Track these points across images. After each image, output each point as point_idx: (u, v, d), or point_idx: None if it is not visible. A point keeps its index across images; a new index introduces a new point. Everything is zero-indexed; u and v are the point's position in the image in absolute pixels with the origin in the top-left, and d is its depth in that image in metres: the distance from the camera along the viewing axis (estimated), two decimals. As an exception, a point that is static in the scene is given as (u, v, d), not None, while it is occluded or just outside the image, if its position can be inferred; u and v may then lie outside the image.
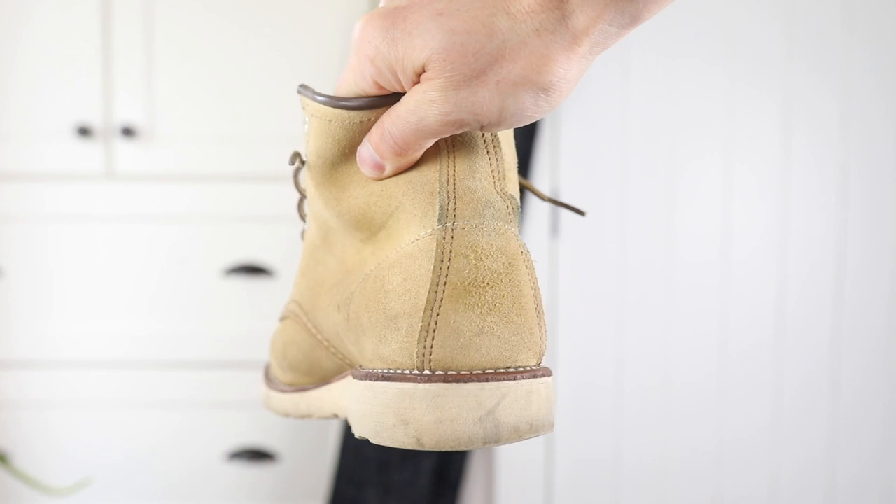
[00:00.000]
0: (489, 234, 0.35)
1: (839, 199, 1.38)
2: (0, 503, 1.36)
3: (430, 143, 0.36)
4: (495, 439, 0.33)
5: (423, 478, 1.28)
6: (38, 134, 1.32)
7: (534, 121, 0.36)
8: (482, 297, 0.34)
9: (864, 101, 1.37)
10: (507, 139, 0.38)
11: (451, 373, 0.34)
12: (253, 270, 1.33)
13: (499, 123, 0.35)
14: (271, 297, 1.34)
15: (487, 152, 0.37)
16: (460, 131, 0.35)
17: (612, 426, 1.41)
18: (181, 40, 1.31)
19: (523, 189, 0.43)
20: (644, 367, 1.41)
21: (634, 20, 0.34)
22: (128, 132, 1.29)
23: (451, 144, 0.37)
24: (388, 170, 0.38)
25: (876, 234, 1.39)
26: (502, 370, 0.34)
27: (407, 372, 0.34)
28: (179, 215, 1.33)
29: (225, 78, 1.32)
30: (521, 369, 0.34)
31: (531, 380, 0.34)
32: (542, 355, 0.36)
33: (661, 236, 1.38)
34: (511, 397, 0.34)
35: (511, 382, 0.34)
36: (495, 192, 0.36)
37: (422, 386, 0.34)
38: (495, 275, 0.35)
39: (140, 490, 1.36)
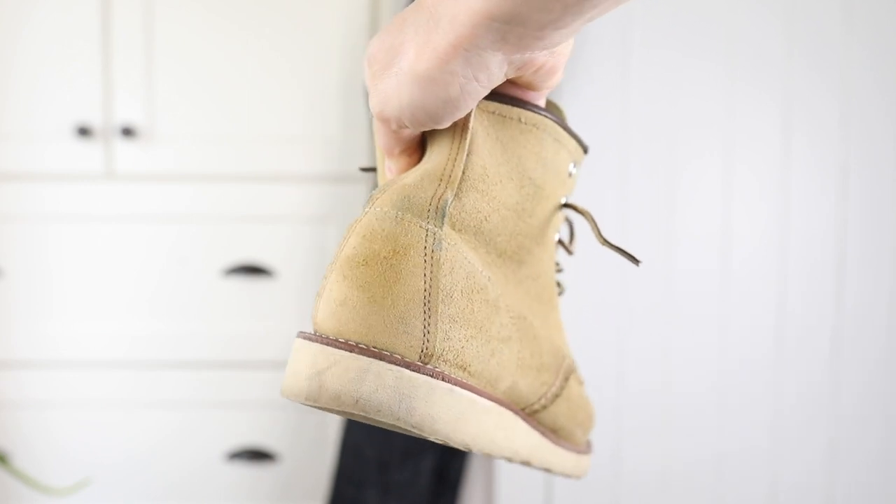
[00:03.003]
0: (388, 222, 0.37)
1: (839, 199, 1.38)
2: (0, 503, 1.36)
3: (397, 140, 0.40)
4: (314, 398, 0.35)
5: (423, 478, 1.28)
6: (38, 134, 1.32)
7: (442, 118, 0.37)
8: (356, 273, 0.36)
9: (865, 100, 1.37)
10: (503, 173, 0.41)
11: (311, 332, 0.37)
12: (253, 270, 1.33)
13: (410, 116, 0.37)
14: (271, 298, 1.34)
15: (448, 158, 0.39)
16: (395, 127, 0.38)
17: (612, 432, 1.41)
18: (181, 40, 1.32)
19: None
20: (644, 373, 1.41)
21: (515, 44, 0.35)
22: (127, 132, 1.30)
23: (431, 150, 0.40)
24: (390, 166, 0.42)
25: (876, 235, 1.39)
26: (363, 346, 0.36)
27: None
28: (179, 215, 1.33)
29: (225, 78, 1.32)
30: (380, 352, 0.36)
31: (380, 362, 0.35)
32: (428, 354, 0.37)
33: (661, 237, 1.38)
34: (342, 366, 0.35)
35: (346, 353, 0.35)
36: (427, 191, 0.38)
37: (296, 341, 0.37)
38: (376, 256, 0.37)
39: (140, 490, 1.36)
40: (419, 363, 0.37)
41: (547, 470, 0.45)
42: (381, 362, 0.36)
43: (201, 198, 1.33)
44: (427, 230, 0.38)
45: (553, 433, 0.46)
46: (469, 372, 0.39)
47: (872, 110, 1.37)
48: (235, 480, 1.37)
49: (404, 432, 0.38)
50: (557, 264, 0.48)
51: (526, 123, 0.42)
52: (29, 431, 1.35)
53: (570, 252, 0.48)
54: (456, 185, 0.39)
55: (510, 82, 0.41)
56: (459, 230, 0.39)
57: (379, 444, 1.28)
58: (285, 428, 1.36)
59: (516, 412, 0.43)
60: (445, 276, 0.38)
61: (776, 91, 1.38)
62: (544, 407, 0.45)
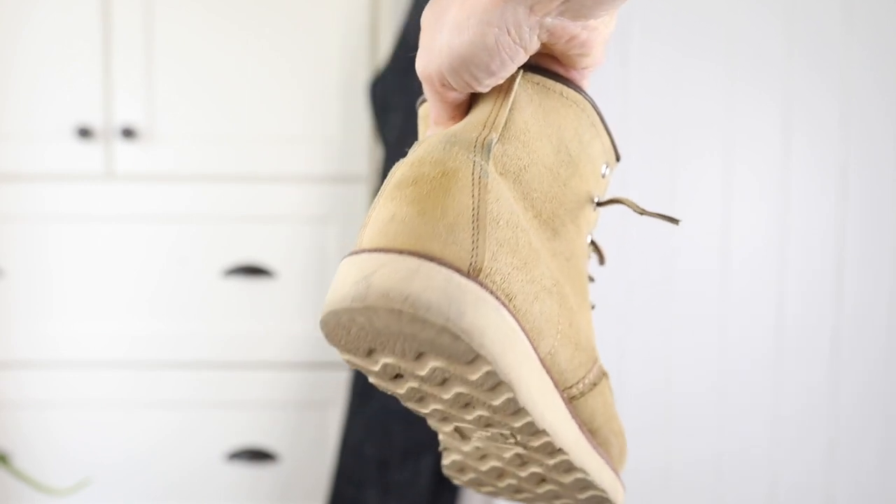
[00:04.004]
0: (437, 151, 0.39)
1: (839, 199, 1.38)
2: (1, 503, 1.36)
3: (445, 106, 0.43)
4: (362, 298, 0.35)
5: (423, 478, 1.28)
6: (39, 134, 1.32)
7: (480, 71, 0.40)
8: (404, 192, 0.37)
9: (865, 100, 1.37)
10: (542, 133, 0.42)
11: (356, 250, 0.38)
12: (253, 271, 1.33)
13: (449, 68, 0.40)
14: (271, 298, 1.34)
15: (492, 110, 0.41)
16: (438, 87, 0.41)
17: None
18: (181, 41, 1.32)
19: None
20: (644, 372, 1.41)
21: (546, 5, 0.38)
22: (128, 133, 1.30)
23: (475, 109, 0.42)
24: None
25: (876, 235, 1.39)
26: (412, 250, 0.36)
27: None
28: (179, 215, 1.33)
29: (225, 78, 1.32)
30: (425, 254, 0.36)
31: (430, 263, 0.35)
32: (476, 269, 0.37)
33: (661, 237, 1.38)
34: (390, 267, 0.35)
35: (396, 255, 0.36)
36: (472, 133, 0.40)
37: (342, 262, 0.38)
38: (424, 176, 0.38)
39: (140, 490, 1.36)
40: (468, 272, 0.37)
41: (582, 472, 0.44)
42: (432, 263, 0.36)
43: (201, 198, 1.33)
44: (474, 161, 0.39)
45: (591, 434, 0.46)
46: (514, 305, 0.39)
47: (872, 110, 1.38)
48: (235, 480, 1.37)
49: (444, 353, 0.37)
50: (591, 277, 0.48)
51: (567, 98, 0.43)
52: (29, 431, 1.35)
53: (602, 260, 0.49)
54: (500, 131, 0.40)
55: (552, 59, 0.43)
56: (502, 173, 0.40)
57: (379, 444, 1.28)
58: (285, 428, 1.36)
59: (556, 387, 0.42)
60: (492, 202, 0.38)
61: (776, 91, 1.38)
62: (582, 394, 0.44)
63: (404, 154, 0.41)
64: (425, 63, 0.41)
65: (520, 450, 0.44)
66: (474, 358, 0.36)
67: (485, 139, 0.40)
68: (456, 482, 0.52)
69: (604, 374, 0.47)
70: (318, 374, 1.36)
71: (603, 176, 0.46)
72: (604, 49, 0.44)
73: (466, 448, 0.47)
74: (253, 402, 1.36)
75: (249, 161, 1.33)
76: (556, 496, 0.49)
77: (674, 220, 0.44)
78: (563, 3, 0.38)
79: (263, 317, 1.35)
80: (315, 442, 1.37)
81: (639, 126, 1.38)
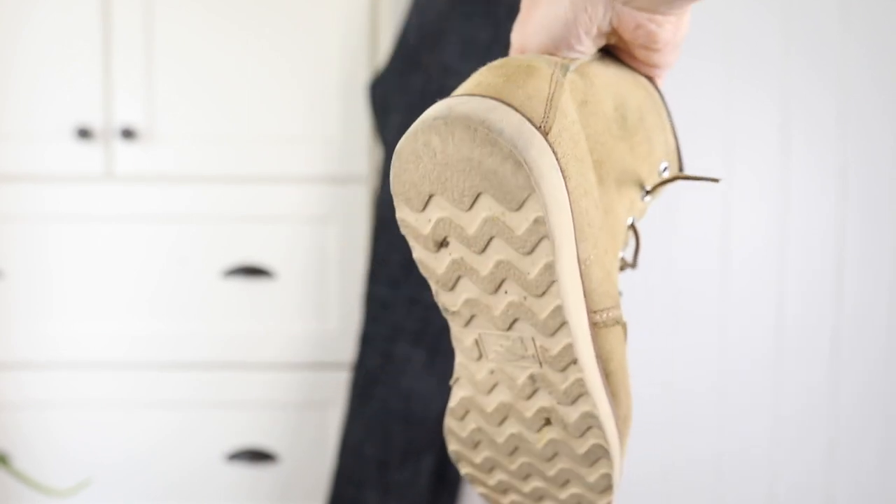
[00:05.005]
0: (523, 57, 0.44)
1: (838, 198, 1.39)
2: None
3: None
4: (445, 115, 0.40)
5: (423, 478, 1.28)
6: (38, 135, 1.32)
7: (559, 41, 0.46)
8: (491, 69, 0.43)
9: (862, 99, 1.38)
10: (608, 90, 0.47)
11: None
12: (253, 271, 1.33)
13: (532, 37, 0.46)
14: (271, 298, 1.35)
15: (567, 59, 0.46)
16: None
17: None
18: (181, 41, 1.32)
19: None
20: (644, 372, 1.40)
21: None
22: (128, 134, 1.30)
23: None
24: None
25: (875, 233, 1.39)
26: (489, 97, 0.41)
27: None
28: (179, 216, 1.33)
29: (225, 79, 1.33)
30: (505, 101, 0.41)
31: (508, 107, 0.40)
32: (545, 130, 0.41)
33: (660, 237, 1.38)
34: (473, 102, 0.40)
35: (479, 97, 0.41)
36: (553, 58, 0.45)
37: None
38: (510, 63, 0.43)
39: (140, 490, 1.36)
40: (539, 127, 0.41)
41: (591, 405, 0.45)
42: (510, 108, 0.40)
43: (201, 198, 1.33)
44: (554, 69, 0.43)
45: (605, 377, 0.47)
46: (567, 184, 0.42)
47: (870, 109, 1.38)
48: (235, 481, 1.36)
49: (502, 188, 0.40)
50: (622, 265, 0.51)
51: (639, 80, 0.48)
52: (29, 432, 1.35)
53: (634, 260, 0.51)
54: (575, 65, 0.45)
55: (630, 56, 0.48)
56: (571, 93, 0.44)
57: (378, 444, 1.28)
58: (285, 428, 1.36)
59: (585, 298, 0.44)
60: (564, 99, 0.43)
61: (774, 90, 1.38)
62: (605, 324, 0.46)
63: None
64: (514, 37, 0.47)
65: (535, 368, 0.45)
66: (528, 196, 0.40)
67: (564, 62, 0.44)
68: (454, 447, 0.52)
69: (624, 324, 0.48)
70: (318, 375, 1.36)
71: (660, 173, 0.49)
72: (674, 52, 0.48)
73: (480, 374, 0.48)
74: (253, 403, 1.36)
75: (249, 161, 1.33)
76: (555, 451, 0.48)
77: (714, 179, 0.47)
78: None
79: (263, 317, 1.35)
80: (315, 442, 1.37)
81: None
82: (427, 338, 1.25)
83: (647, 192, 0.49)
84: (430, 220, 0.43)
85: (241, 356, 1.35)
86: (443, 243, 0.43)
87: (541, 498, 0.51)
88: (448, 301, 0.46)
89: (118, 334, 1.34)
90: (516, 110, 0.40)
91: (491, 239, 0.42)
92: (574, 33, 0.44)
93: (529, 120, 0.40)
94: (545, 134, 0.41)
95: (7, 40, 1.31)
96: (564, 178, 0.41)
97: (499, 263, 0.42)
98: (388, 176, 1.27)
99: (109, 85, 1.32)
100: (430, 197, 0.42)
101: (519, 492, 0.52)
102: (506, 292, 0.43)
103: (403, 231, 0.45)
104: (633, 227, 0.50)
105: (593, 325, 0.45)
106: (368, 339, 1.28)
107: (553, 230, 0.41)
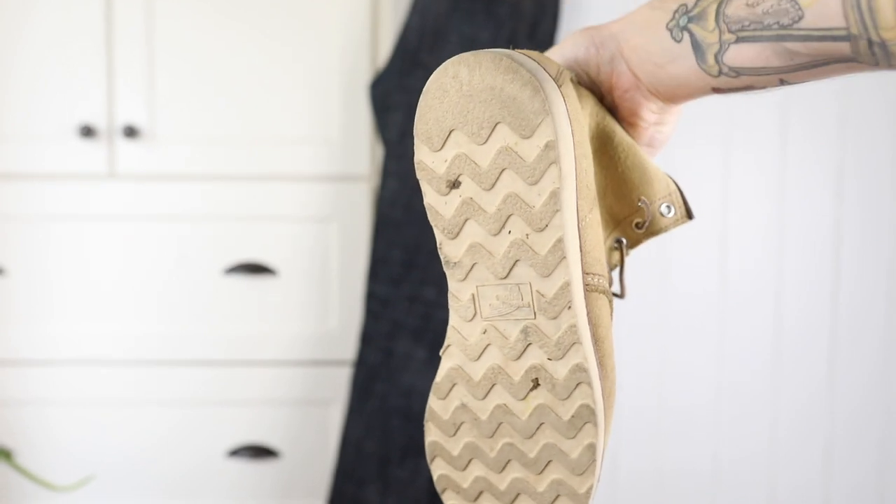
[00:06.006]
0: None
1: (835, 201, 1.39)
2: (3, 500, 1.37)
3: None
4: (473, 52, 0.46)
5: (423, 475, 1.28)
6: (42, 134, 1.33)
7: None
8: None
9: (861, 100, 1.38)
10: (587, 112, 0.51)
11: None
12: (255, 269, 1.34)
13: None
14: (273, 296, 1.35)
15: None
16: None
17: (610, 439, 1.41)
18: (184, 41, 1.33)
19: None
20: (642, 377, 1.41)
21: (599, 45, 0.50)
22: (130, 132, 1.31)
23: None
24: None
25: (872, 235, 1.39)
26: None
27: None
28: (182, 214, 1.34)
29: (227, 78, 1.33)
30: (524, 54, 0.47)
31: (526, 58, 0.46)
32: (557, 82, 0.46)
33: (658, 239, 1.38)
34: (499, 47, 0.47)
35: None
36: (560, 78, 0.48)
37: None
38: (530, 54, 0.48)
39: (142, 487, 1.37)
40: (554, 77, 0.46)
41: (582, 358, 0.47)
42: (530, 58, 0.46)
43: (203, 197, 1.34)
44: (560, 65, 0.49)
45: (594, 342, 0.48)
46: (573, 137, 0.47)
47: (869, 110, 1.38)
48: (237, 477, 1.37)
49: (520, 112, 0.45)
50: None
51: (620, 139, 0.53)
52: (32, 429, 1.36)
53: (621, 293, 0.53)
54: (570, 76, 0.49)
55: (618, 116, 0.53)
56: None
57: (379, 441, 1.29)
58: (287, 425, 1.37)
59: (580, 252, 0.48)
60: (569, 82, 0.48)
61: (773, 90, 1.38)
62: (595, 288, 0.49)
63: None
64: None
65: (528, 320, 0.48)
66: (541, 122, 0.45)
67: (564, 71, 0.49)
68: (432, 437, 0.52)
69: (612, 299, 0.51)
70: (320, 372, 1.37)
71: (661, 213, 0.53)
72: (654, 144, 0.53)
73: (472, 336, 0.50)
74: (255, 400, 1.36)
75: (251, 160, 1.34)
76: (541, 421, 0.49)
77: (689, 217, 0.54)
78: (633, 52, 0.48)
79: (265, 315, 1.36)
80: (316, 439, 1.38)
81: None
82: (428, 335, 1.26)
83: (639, 226, 0.53)
84: (445, 160, 0.48)
85: (242, 354, 1.35)
86: (455, 184, 0.48)
87: (517, 496, 0.51)
88: (451, 251, 0.49)
89: (120, 332, 1.35)
90: (535, 60, 0.47)
91: (502, 172, 0.46)
92: (587, 64, 0.50)
93: (545, 69, 0.46)
94: (558, 85, 0.46)
95: (10, 39, 1.32)
96: (570, 122, 0.46)
97: (507, 198, 0.47)
98: (388, 175, 1.28)
99: (112, 84, 1.33)
100: (450, 133, 0.47)
101: (494, 492, 0.51)
102: (509, 232, 0.47)
103: (419, 175, 0.49)
104: (620, 247, 0.53)
105: (585, 286, 0.48)
106: (369, 337, 1.29)
107: (561, 157, 0.45)
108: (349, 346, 1.36)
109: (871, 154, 1.39)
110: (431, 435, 0.53)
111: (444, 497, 0.53)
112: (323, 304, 1.36)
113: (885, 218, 1.39)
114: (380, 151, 1.34)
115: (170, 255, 1.34)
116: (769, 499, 1.41)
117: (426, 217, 0.50)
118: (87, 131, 1.30)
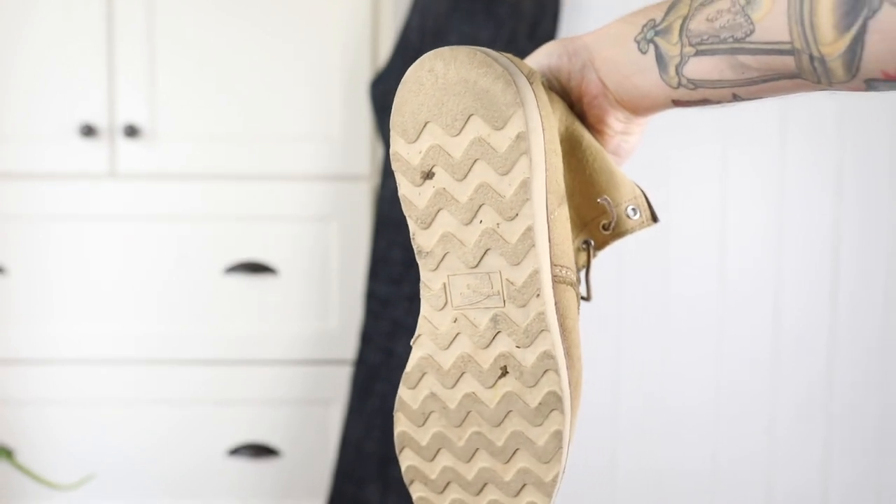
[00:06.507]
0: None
1: (834, 201, 1.39)
2: (4, 499, 1.37)
3: None
4: (450, 48, 0.48)
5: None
6: (42, 133, 1.33)
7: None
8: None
9: (860, 100, 1.38)
10: (557, 115, 0.53)
11: None
12: (255, 269, 1.34)
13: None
14: (274, 296, 1.35)
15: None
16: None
17: (608, 437, 1.41)
18: (185, 40, 1.33)
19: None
20: (640, 377, 1.41)
21: (573, 54, 0.53)
22: (131, 132, 1.31)
23: None
24: None
25: (871, 234, 1.39)
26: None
27: None
28: (182, 214, 1.34)
29: (228, 77, 1.33)
30: (498, 52, 0.49)
31: (500, 55, 0.49)
32: (529, 80, 0.49)
33: (657, 238, 1.39)
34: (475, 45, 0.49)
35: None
36: (531, 77, 0.50)
37: None
38: (504, 54, 0.50)
39: (143, 486, 1.37)
40: (526, 75, 0.49)
41: (550, 345, 0.48)
42: (503, 56, 0.49)
43: (204, 196, 1.34)
44: (519, 75, 0.49)
45: (561, 332, 0.50)
46: (544, 134, 0.49)
47: (868, 111, 1.38)
48: (237, 477, 1.37)
49: (492, 105, 0.47)
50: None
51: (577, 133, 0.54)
52: (32, 429, 1.36)
53: (588, 295, 0.54)
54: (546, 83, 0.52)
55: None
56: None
57: (379, 441, 1.29)
58: (287, 425, 1.37)
59: (549, 245, 0.50)
60: (539, 83, 0.50)
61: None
62: (563, 279, 0.50)
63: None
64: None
65: (498, 308, 0.49)
66: (513, 114, 0.47)
67: (533, 73, 0.50)
68: (401, 427, 0.53)
69: (579, 293, 0.53)
70: (320, 372, 1.37)
71: (626, 214, 0.55)
72: (620, 153, 0.56)
73: (443, 325, 0.51)
74: (255, 399, 1.37)
75: (251, 159, 1.34)
76: (508, 408, 0.50)
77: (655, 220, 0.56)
78: (603, 63, 0.50)
79: (266, 315, 1.36)
80: (316, 438, 1.38)
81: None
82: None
83: (606, 228, 0.54)
84: (420, 152, 0.49)
85: (243, 353, 1.36)
86: (428, 175, 0.49)
87: (484, 485, 0.52)
88: (423, 241, 0.50)
89: (121, 331, 1.35)
90: (508, 59, 0.49)
91: (474, 163, 0.48)
92: (560, 71, 0.53)
93: (517, 66, 0.48)
94: (530, 82, 0.48)
95: (10, 39, 1.32)
96: (541, 116, 0.48)
97: (478, 187, 0.48)
98: (388, 174, 1.28)
99: (113, 83, 1.33)
100: (425, 125, 0.48)
101: (462, 482, 0.52)
102: (480, 221, 0.49)
103: (395, 166, 0.50)
104: (588, 248, 0.55)
105: (553, 277, 0.50)
106: (369, 336, 1.30)
107: (531, 148, 0.47)
108: (349, 346, 1.36)
109: (869, 154, 1.39)
110: (401, 425, 0.53)
111: (412, 489, 0.54)
112: (323, 303, 1.36)
113: (884, 218, 1.39)
114: (380, 151, 1.35)
115: (170, 254, 1.35)
116: (767, 498, 1.42)
117: None
118: (88, 130, 1.30)
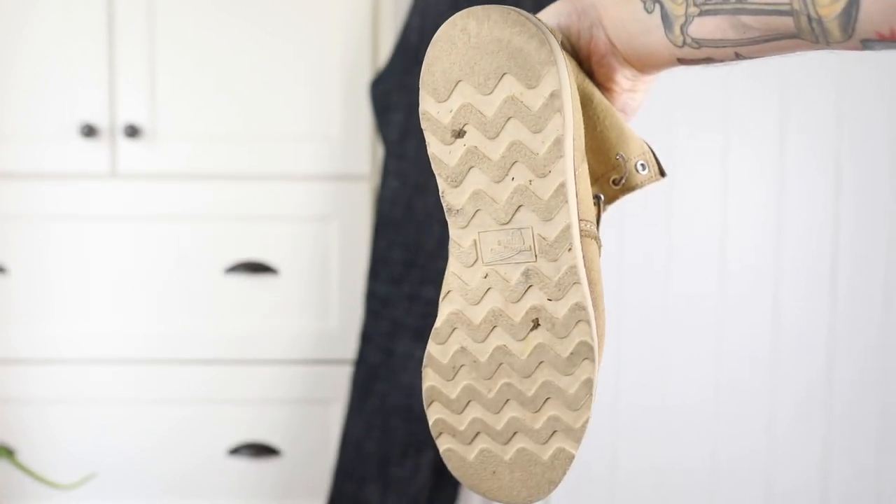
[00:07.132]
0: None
1: (833, 196, 1.39)
2: (5, 498, 1.37)
3: None
4: (483, 6, 0.49)
5: (423, 473, 1.29)
6: (43, 134, 1.33)
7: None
8: None
9: (859, 96, 1.38)
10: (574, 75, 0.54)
11: None
12: (256, 268, 1.34)
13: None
14: (274, 295, 1.36)
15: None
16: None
17: (609, 435, 1.41)
18: (185, 40, 1.33)
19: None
20: (640, 376, 1.41)
21: (581, 12, 0.53)
22: (132, 132, 1.31)
23: None
24: None
25: (870, 230, 1.39)
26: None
27: None
28: (183, 214, 1.34)
29: (228, 78, 1.34)
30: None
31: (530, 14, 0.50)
32: (557, 39, 0.50)
33: (657, 237, 1.39)
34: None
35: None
36: (557, 35, 0.52)
37: None
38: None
39: (143, 485, 1.38)
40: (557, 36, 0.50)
41: (581, 296, 0.49)
42: (535, 17, 0.50)
43: (204, 196, 1.34)
44: (551, 56, 0.50)
45: (589, 285, 0.51)
46: (572, 90, 0.50)
47: (867, 105, 1.38)
48: (238, 476, 1.38)
49: (526, 63, 0.48)
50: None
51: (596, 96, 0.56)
52: (33, 428, 1.36)
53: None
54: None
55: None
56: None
57: (379, 440, 1.29)
58: (287, 424, 1.37)
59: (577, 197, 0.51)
60: (566, 66, 0.50)
61: (772, 88, 1.39)
62: (587, 233, 0.52)
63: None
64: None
65: (530, 262, 0.50)
66: (547, 73, 0.48)
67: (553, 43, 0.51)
68: (430, 382, 0.53)
69: (601, 244, 0.54)
70: (321, 371, 1.37)
71: (636, 169, 0.56)
72: (627, 110, 0.57)
73: (473, 281, 0.51)
74: (255, 399, 1.37)
75: (252, 159, 1.34)
76: (540, 359, 0.50)
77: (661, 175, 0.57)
78: (610, 22, 0.51)
79: (266, 314, 1.36)
80: (317, 438, 1.38)
81: (634, 122, 1.39)
82: (428, 334, 1.26)
83: (616, 183, 0.56)
84: (451, 111, 0.50)
85: (243, 353, 1.36)
86: (460, 133, 0.50)
87: (513, 434, 0.52)
88: (454, 199, 0.51)
89: (121, 331, 1.35)
90: (537, 18, 0.50)
91: (507, 121, 0.49)
92: (565, 34, 0.54)
93: (549, 28, 0.50)
94: (558, 41, 0.49)
95: (10, 39, 1.32)
96: (570, 74, 0.49)
97: (511, 145, 0.49)
98: (389, 174, 1.28)
99: (114, 83, 1.33)
100: (457, 84, 0.49)
101: (490, 432, 0.53)
102: (513, 178, 0.49)
103: (424, 125, 0.51)
104: (598, 203, 0.56)
105: (580, 231, 0.51)
106: (370, 336, 1.30)
107: (564, 105, 0.48)
108: (349, 346, 1.36)
109: (868, 149, 1.39)
110: (429, 380, 0.54)
111: (440, 441, 0.54)
112: (323, 303, 1.36)
113: (883, 213, 1.39)
114: (380, 151, 1.35)
115: (170, 254, 1.35)
116: (767, 496, 1.42)
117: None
118: (89, 130, 1.30)
